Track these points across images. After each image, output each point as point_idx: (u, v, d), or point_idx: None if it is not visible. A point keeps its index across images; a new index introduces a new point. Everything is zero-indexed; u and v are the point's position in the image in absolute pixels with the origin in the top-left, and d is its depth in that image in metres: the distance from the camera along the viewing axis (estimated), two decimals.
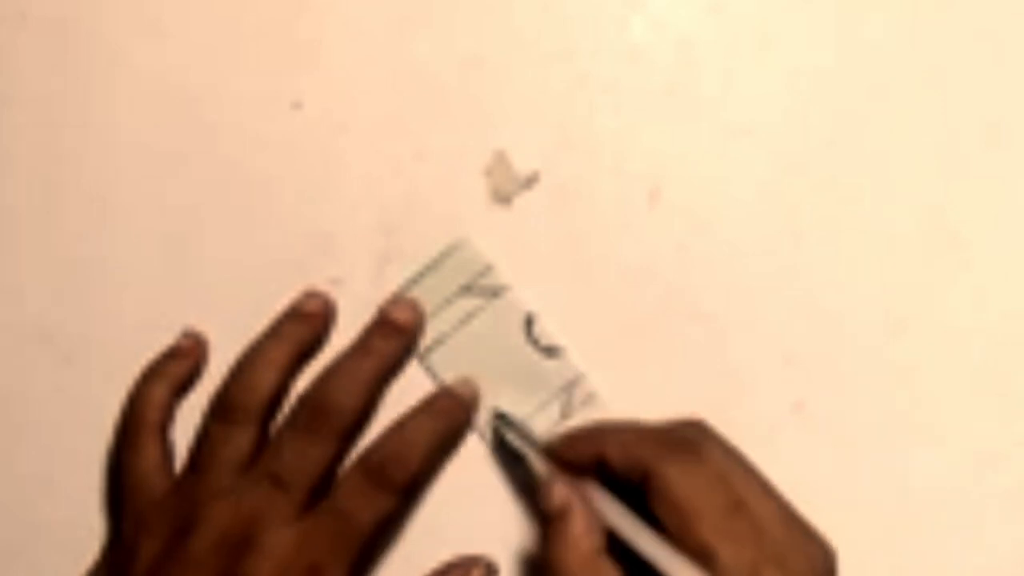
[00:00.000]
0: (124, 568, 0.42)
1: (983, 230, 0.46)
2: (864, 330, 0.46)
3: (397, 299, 0.46)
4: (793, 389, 0.45)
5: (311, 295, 0.46)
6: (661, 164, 0.47)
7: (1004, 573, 0.45)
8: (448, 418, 0.45)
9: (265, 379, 0.44)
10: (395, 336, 0.45)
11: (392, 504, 0.43)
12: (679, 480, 0.39)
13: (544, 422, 0.45)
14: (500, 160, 0.47)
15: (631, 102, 0.47)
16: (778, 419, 0.45)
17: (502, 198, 0.47)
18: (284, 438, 0.43)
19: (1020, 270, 0.46)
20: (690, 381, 0.46)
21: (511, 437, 0.44)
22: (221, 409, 0.44)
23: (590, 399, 0.46)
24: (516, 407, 0.45)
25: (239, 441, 0.43)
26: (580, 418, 0.45)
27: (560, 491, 0.40)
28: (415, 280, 0.46)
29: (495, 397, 0.46)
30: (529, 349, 0.46)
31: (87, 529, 0.46)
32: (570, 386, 0.46)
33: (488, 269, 0.46)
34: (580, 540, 0.39)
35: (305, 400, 0.44)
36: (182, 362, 0.46)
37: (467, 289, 0.46)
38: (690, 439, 0.41)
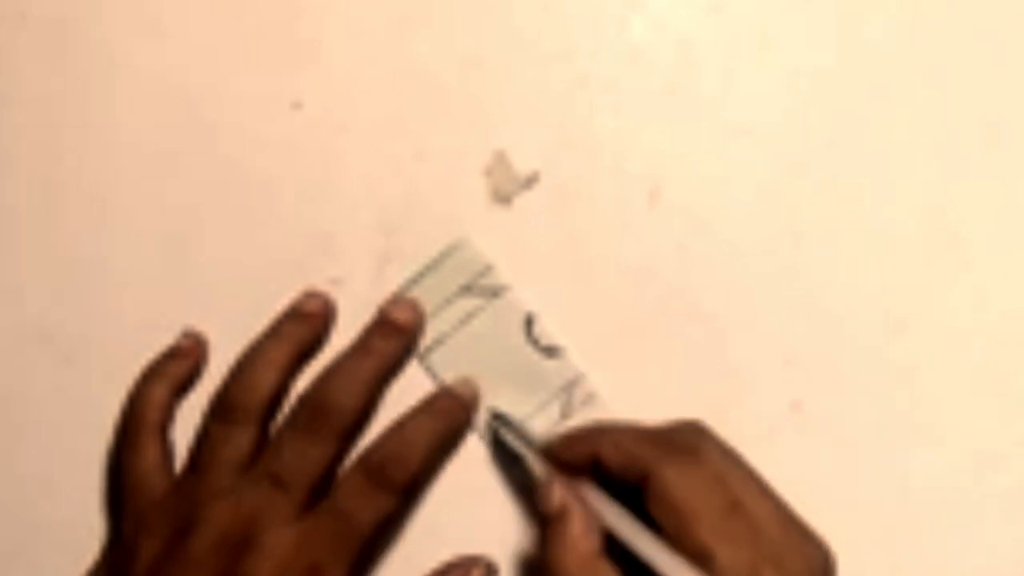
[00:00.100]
0: (124, 568, 0.42)
1: (983, 230, 0.46)
2: (864, 330, 0.46)
3: (397, 299, 0.46)
4: (792, 389, 0.45)
5: (311, 295, 0.46)
6: (661, 164, 0.47)
7: (1004, 573, 0.45)
8: (448, 418, 0.45)
9: (265, 379, 0.44)
10: (395, 336, 0.45)
11: (392, 504, 0.43)
12: (676, 481, 0.39)
13: (544, 422, 0.45)
14: (500, 160, 0.47)
15: (631, 102, 0.47)
16: (777, 419, 0.45)
17: (502, 198, 0.47)
18: (284, 438, 0.43)
19: (1020, 270, 0.46)
20: (690, 381, 0.46)
21: (509, 438, 0.44)
22: (221, 409, 0.44)
23: (590, 399, 0.46)
24: (516, 407, 0.45)
25: (239, 441, 0.43)
26: (580, 418, 0.45)
27: (558, 492, 0.40)
28: (415, 280, 0.46)
29: (495, 397, 0.46)
30: (529, 349, 0.46)
31: (87, 529, 0.46)
32: (570, 386, 0.46)
33: (488, 269, 0.46)
34: (578, 542, 0.39)
35: (305, 400, 0.44)
36: (182, 362, 0.46)
37: (467, 289, 0.46)
38: (687, 440, 0.41)
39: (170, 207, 0.47)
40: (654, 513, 0.39)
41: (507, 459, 0.45)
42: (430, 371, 0.46)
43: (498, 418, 0.45)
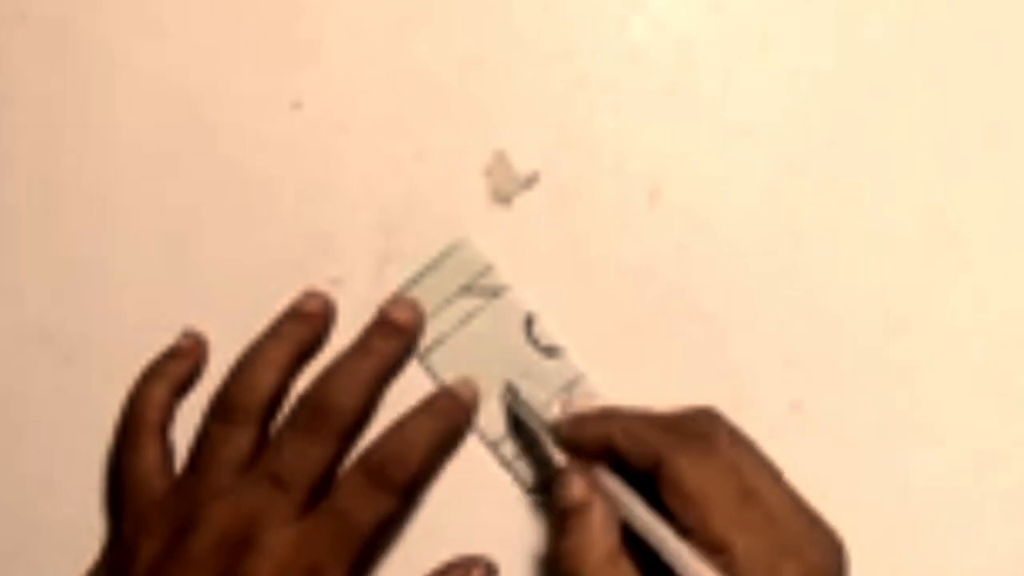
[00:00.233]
0: (124, 568, 0.42)
1: (983, 230, 0.46)
2: (864, 330, 0.46)
3: (397, 299, 0.46)
4: (792, 389, 0.45)
5: (311, 295, 0.46)
6: (661, 164, 0.47)
7: (1004, 573, 0.45)
8: (448, 418, 0.45)
9: (265, 379, 0.44)
10: (395, 336, 0.45)
11: (392, 504, 0.43)
12: (690, 470, 0.38)
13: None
14: (500, 160, 0.47)
15: (631, 102, 0.47)
16: (777, 419, 0.45)
17: (502, 198, 0.47)
18: (284, 438, 0.43)
19: (1020, 270, 0.46)
20: (690, 381, 0.46)
21: (522, 411, 0.44)
22: (221, 409, 0.44)
23: (590, 399, 0.45)
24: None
25: (239, 441, 0.43)
26: None
27: (579, 484, 0.40)
28: (415, 280, 0.46)
29: (495, 397, 0.46)
30: (529, 349, 0.46)
31: (87, 529, 0.46)
32: (570, 386, 0.46)
33: (488, 269, 0.46)
34: (599, 540, 0.38)
35: (305, 400, 0.44)
36: (182, 362, 0.46)
37: (467, 289, 0.46)
38: (700, 427, 0.40)
39: (170, 207, 0.47)
40: (667, 501, 0.38)
41: (518, 427, 0.45)
42: (430, 371, 0.46)
43: (511, 391, 0.45)
